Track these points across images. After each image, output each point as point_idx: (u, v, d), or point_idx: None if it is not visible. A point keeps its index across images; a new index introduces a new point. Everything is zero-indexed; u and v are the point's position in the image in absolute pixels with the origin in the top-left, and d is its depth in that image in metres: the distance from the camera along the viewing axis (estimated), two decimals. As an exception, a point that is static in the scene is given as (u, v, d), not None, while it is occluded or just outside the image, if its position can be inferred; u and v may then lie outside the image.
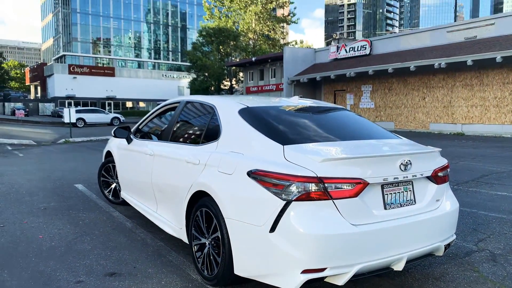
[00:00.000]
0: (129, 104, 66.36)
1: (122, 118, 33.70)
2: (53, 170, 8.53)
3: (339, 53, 26.54)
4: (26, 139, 16.56)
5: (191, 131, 3.83)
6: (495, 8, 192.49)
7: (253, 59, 33.38)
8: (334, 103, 26.60)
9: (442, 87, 20.26)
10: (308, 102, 3.97)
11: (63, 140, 16.82)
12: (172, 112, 4.26)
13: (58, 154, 12.17)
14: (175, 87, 67.33)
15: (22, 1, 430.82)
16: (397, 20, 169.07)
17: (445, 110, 20.16)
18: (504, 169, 8.17)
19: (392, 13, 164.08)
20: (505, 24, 18.65)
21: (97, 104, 57.52)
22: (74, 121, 19.32)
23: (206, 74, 42.35)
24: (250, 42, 46.24)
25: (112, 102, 62.30)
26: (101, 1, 71.22)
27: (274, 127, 2.99)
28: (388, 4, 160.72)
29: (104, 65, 70.72)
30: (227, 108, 3.36)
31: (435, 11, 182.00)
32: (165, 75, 69.93)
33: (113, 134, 4.87)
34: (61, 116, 31.32)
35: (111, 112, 40.33)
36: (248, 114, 3.13)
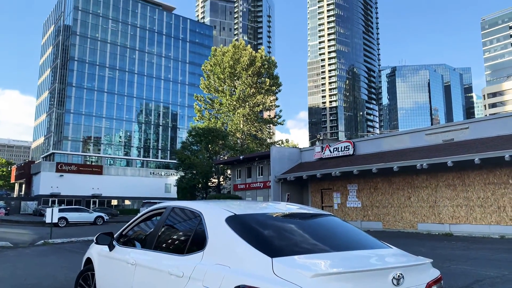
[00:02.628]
0: (114, 202, 65.39)
1: (106, 217, 32.88)
2: (28, 276, 8.01)
3: (323, 153, 27.37)
4: (2, 240, 15.81)
5: (176, 239, 3.72)
6: (467, 112, 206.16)
7: (241, 157, 34.11)
8: (322, 201, 26.64)
9: (426, 187, 20.63)
10: (295, 208, 3.96)
11: (42, 241, 16.11)
12: (158, 218, 4.18)
13: (35, 258, 11.54)
14: (162, 184, 67.29)
15: (18, 101, 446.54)
16: (377, 122, 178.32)
17: (431, 210, 20.27)
18: (498, 274, 7.96)
19: (372, 116, 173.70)
20: (478, 128, 19.81)
21: (82, 202, 56.55)
22: (56, 220, 18.72)
23: (194, 171, 42.73)
24: (238, 141, 47.74)
25: (97, 200, 61.35)
26: (95, 103, 74.33)
27: (263, 237, 2.94)
28: (368, 107, 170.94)
29: (93, 163, 71.16)
30: (214, 215, 3.33)
31: (412, 114, 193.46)
32: (153, 173, 70.34)
33: (95, 241, 4.69)
34: (43, 215, 30.44)
35: (99, 209, 39.46)
36: (236, 223, 3.09)
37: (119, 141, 77.87)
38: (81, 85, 72.78)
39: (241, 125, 47.23)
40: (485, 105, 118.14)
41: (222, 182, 45.39)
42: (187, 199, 41.80)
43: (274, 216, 3.48)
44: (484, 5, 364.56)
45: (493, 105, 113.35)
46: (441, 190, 19.96)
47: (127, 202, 66.43)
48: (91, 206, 58.76)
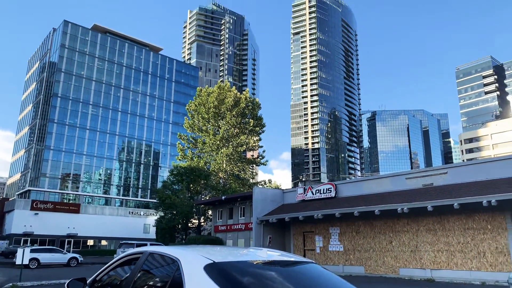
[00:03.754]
0: (90, 242, 63.09)
1: (80, 259, 31.55)
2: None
3: (306, 195, 27.33)
4: (-33, 283, 14.93)
5: (152, 287, 3.58)
6: (445, 156, 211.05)
7: (223, 198, 33.70)
8: (304, 245, 26.27)
9: (407, 231, 20.66)
10: (276, 255, 3.89)
11: (11, 284, 15.27)
12: (134, 263, 4.04)
13: (1, 303, 10.88)
14: (141, 224, 65.57)
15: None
16: (358, 165, 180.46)
17: (412, 254, 20.19)
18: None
19: (353, 158, 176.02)
20: (457, 173, 20.24)
21: (56, 242, 54.40)
22: (27, 262, 17.85)
23: (174, 212, 41.88)
24: (221, 181, 47.39)
25: (72, 240, 59.13)
26: (76, 139, 73.43)
27: (242, 287, 2.86)
28: (349, 150, 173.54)
29: (70, 201, 69.18)
30: (191, 262, 3.23)
31: (392, 157, 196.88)
32: (132, 212, 68.66)
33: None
34: (14, 256, 29.02)
35: (70, 252, 37.89)
36: (214, 271, 3.00)
37: (99, 179, 76.34)
38: (63, 121, 72.11)
39: (224, 165, 47.11)
40: (462, 150, 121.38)
41: (202, 223, 44.53)
42: (166, 240, 40.65)
43: (254, 263, 3.39)
44: (459, 54, 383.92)
45: (470, 151, 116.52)
46: (422, 235, 19.99)
47: (103, 242, 64.13)
48: (66, 246, 56.48)
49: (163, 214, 43.43)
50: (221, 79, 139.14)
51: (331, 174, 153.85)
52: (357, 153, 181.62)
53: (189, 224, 44.70)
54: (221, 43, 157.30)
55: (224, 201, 33.62)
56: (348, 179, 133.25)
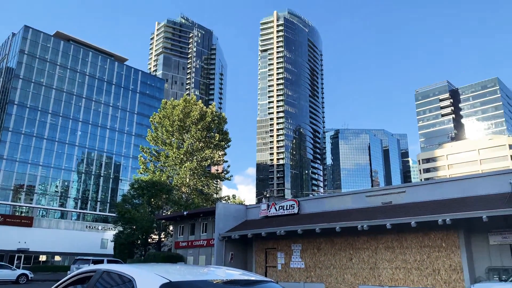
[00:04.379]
0: (43, 258, 59.93)
1: (30, 275, 29.84)
2: None
3: (269, 211, 27.32)
4: None
5: (104, 309, 3.41)
6: (404, 175, 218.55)
7: (185, 213, 33.10)
8: (266, 261, 26.13)
9: (367, 249, 21.02)
10: (237, 274, 3.83)
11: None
12: (88, 281, 3.85)
13: None
14: (98, 239, 63.18)
15: None
16: (321, 181, 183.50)
17: (371, 272, 20.54)
18: None
19: (316, 175, 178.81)
20: (414, 192, 20.94)
21: (5, 258, 51.29)
22: (-30, 279, 16.63)
23: (134, 227, 40.64)
24: (183, 196, 46.61)
25: (23, 255, 55.94)
26: (32, 149, 70.25)
27: None
28: (313, 167, 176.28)
29: (23, 214, 65.68)
30: (146, 282, 3.10)
31: (353, 175, 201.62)
32: (90, 227, 66.14)
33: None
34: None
35: (19, 268, 35.78)
36: (171, 291, 2.90)
37: (55, 191, 73.07)
38: (18, 130, 68.88)
39: (188, 179, 46.42)
40: (420, 170, 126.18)
41: (163, 239, 43.46)
42: (125, 256, 39.32)
43: (214, 283, 3.31)
44: (418, 77, 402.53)
45: (427, 170, 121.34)
46: (381, 252, 20.40)
47: (57, 258, 61.10)
48: (15, 262, 53.34)
49: (122, 229, 42.03)
50: (188, 92, 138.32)
51: (295, 190, 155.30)
52: (321, 170, 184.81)
53: (149, 240, 43.48)
54: (189, 56, 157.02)
55: (186, 216, 33.01)
56: (311, 195, 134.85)
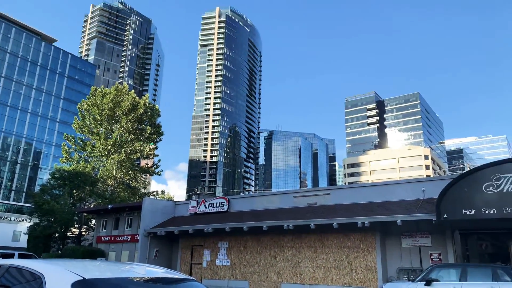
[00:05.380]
0: None
1: None
2: None
3: (198, 208, 27.09)
4: None
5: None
6: (330, 178, 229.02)
7: (109, 206, 31.65)
8: (191, 259, 25.88)
9: (291, 248, 21.67)
10: (158, 272, 3.71)
11: None
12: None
13: None
14: (10, 231, 58.17)
15: None
16: (253, 180, 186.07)
17: (294, 270, 21.22)
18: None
19: (249, 174, 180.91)
20: (338, 195, 22.00)
21: None
22: None
23: (52, 219, 37.99)
24: (109, 189, 44.54)
25: None
26: None
27: None
28: (246, 166, 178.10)
29: None
30: (57, 279, 2.88)
31: (284, 176, 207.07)
32: (1, 217, 60.65)
33: None
34: None
35: None
36: (85, 289, 2.73)
37: (-38, 176, 66.12)
38: None
39: (114, 172, 44.41)
40: (345, 174, 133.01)
41: (84, 233, 41.19)
42: (40, 250, 36.68)
43: (134, 280, 3.17)
44: (351, 85, 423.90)
45: (351, 175, 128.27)
46: (304, 251, 21.15)
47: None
48: None
49: (38, 221, 39.09)
50: (121, 80, 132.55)
51: (226, 188, 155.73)
52: (253, 169, 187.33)
53: (68, 233, 40.96)
54: (124, 44, 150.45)
55: (110, 210, 31.58)
56: (242, 194, 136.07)
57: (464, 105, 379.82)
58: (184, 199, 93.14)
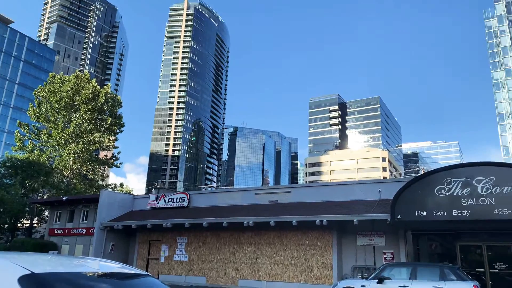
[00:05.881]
0: None
1: None
2: None
3: (158, 203, 26.65)
4: None
5: None
6: (292, 177, 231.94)
7: (64, 198, 30.46)
8: (149, 253, 25.43)
9: (250, 244, 21.79)
10: (113, 266, 3.59)
11: None
12: None
13: None
14: (-47, 221, 54.66)
15: None
16: (215, 176, 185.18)
17: (252, 266, 21.36)
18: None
19: (211, 169, 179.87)
20: (299, 193, 22.34)
21: None
22: None
23: (1, 209, 36.07)
24: (64, 180, 42.90)
25: None
26: None
27: None
28: (209, 161, 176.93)
29: None
30: (2, 273, 2.74)
31: (246, 173, 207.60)
32: None
33: None
34: None
35: None
36: (32, 284, 2.59)
37: None
38: None
39: (71, 163, 42.78)
40: (306, 173, 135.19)
41: (35, 225, 39.45)
42: (-15, 242, 34.77)
43: (88, 275, 3.04)
44: (313, 87, 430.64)
45: (312, 174, 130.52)
46: (262, 248, 21.33)
47: None
48: None
49: (-15, 212, 37.02)
50: (82, 68, 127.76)
51: (187, 184, 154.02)
52: (216, 165, 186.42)
53: (19, 225, 39.08)
54: (87, 30, 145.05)
55: (65, 202, 30.41)
56: (203, 189, 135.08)
57: (422, 111, 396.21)
58: (144, 193, 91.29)
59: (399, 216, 16.42)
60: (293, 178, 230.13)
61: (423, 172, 22.90)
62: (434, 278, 12.57)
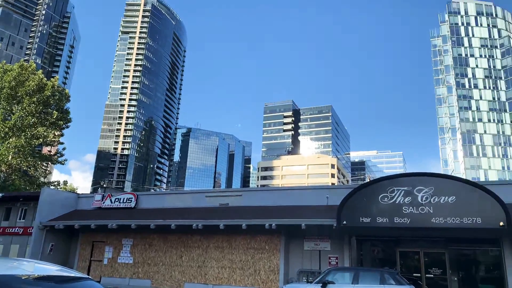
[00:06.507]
0: None
1: None
2: None
3: (103, 203, 25.69)
4: None
5: None
6: (244, 180, 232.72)
7: (1, 195, 28.56)
8: (91, 255, 24.41)
9: (198, 247, 21.56)
10: (50, 269, 3.42)
11: None
12: None
13: None
14: None
15: None
16: (165, 177, 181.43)
17: (199, 270, 21.13)
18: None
19: (162, 170, 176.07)
20: (250, 196, 22.45)
21: None
22: None
23: None
24: (2, 175, 40.22)
25: None
26: None
27: None
28: (159, 162, 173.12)
29: None
30: None
31: (198, 175, 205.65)
32: None
33: None
34: None
35: None
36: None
37: None
38: None
39: (10, 157, 40.19)
40: (258, 177, 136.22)
41: (-34, 223, 36.55)
42: None
43: (23, 278, 2.88)
44: (269, 92, 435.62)
45: (264, 178, 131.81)
46: (211, 251, 21.18)
47: None
48: None
49: None
50: (27, 58, 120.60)
51: (136, 184, 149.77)
52: (166, 166, 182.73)
53: None
54: (35, 19, 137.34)
55: (1, 199, 28.51)
56: (152, 190, 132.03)
57: (370, 120, 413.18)
58: (89, 192, 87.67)
59: (344, 222, 16.97)
60: (245, 181, 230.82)
61: (368, 180, 23.84)
62: (375, 282, 13.12)
